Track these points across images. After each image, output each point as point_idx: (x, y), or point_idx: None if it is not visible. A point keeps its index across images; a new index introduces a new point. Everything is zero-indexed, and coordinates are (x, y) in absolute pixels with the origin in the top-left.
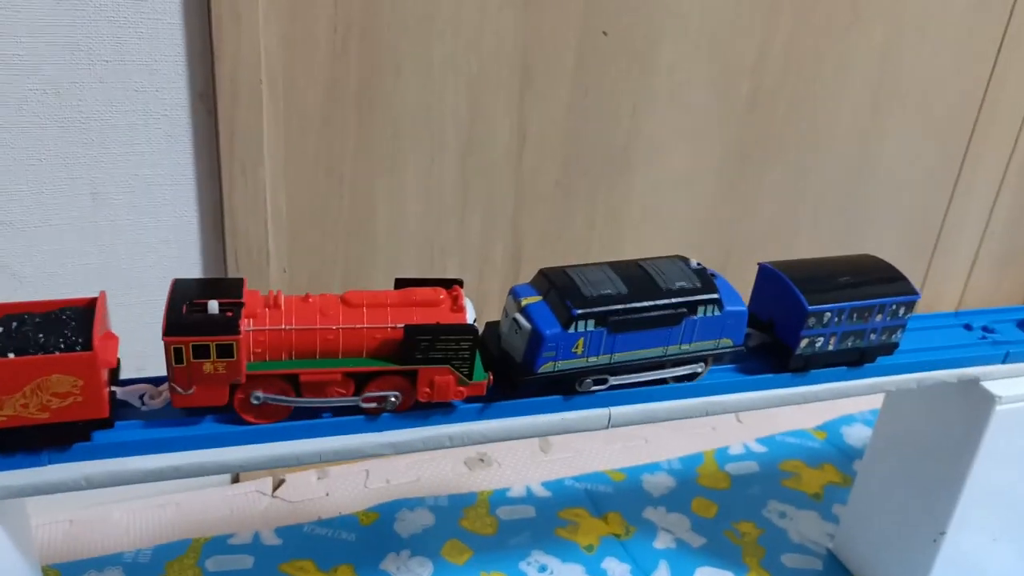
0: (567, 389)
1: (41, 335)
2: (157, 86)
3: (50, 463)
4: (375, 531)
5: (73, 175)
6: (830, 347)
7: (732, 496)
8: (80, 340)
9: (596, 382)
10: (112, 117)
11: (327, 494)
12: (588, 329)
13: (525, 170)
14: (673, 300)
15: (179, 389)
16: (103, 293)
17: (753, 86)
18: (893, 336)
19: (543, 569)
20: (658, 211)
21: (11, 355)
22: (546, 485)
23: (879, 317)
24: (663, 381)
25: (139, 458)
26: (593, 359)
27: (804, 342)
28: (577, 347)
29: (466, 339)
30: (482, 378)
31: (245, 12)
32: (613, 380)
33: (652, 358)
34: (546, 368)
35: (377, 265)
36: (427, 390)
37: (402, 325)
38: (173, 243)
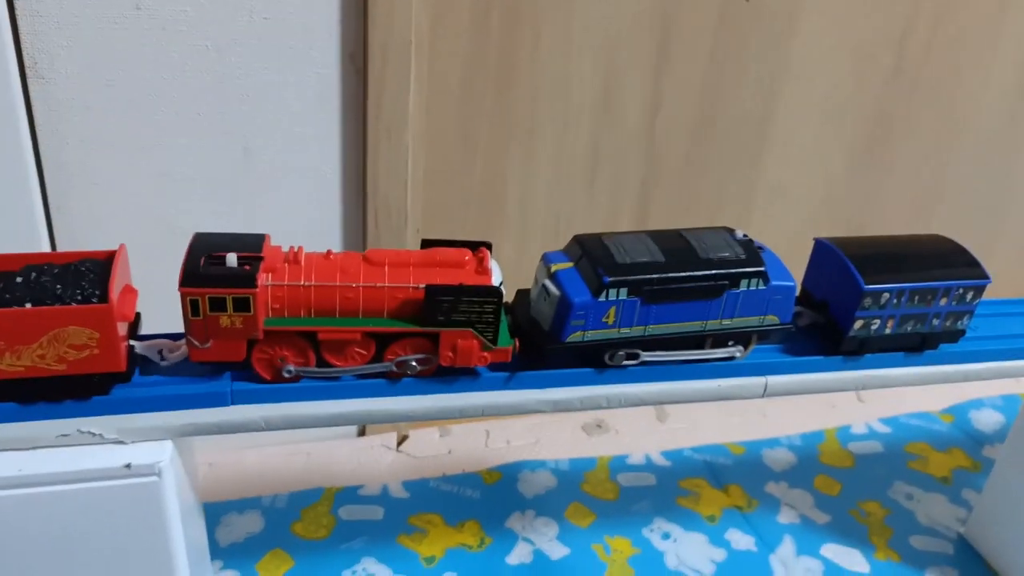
0: (597, 361)
1: (59, 286)
2: (310, 45)
3: (234, 403)
4: (499, 490)
5: (228, 130)
6: (887, 330)
7: (856, 475)
8: (97, 292)
9: (628, 355)
10: (267, 74)
11: (449, 451)
12: (620, 298)
13: (656, 141)
14: (713, 271)
15: (196, 343)
16: (122, 246)
17: (894, 61)
18: (959, 322)
19: (666, 536)
20: (788, 187)
21: (28, 305)
22: (665, 454)
23: (944, 301)
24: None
25: (308, 404)
26: (625, 330)
27: (859, 323)
28: (608, 316)
29: (490, 302)
30: (508, 344)
31: None
32: (646, 355)
33: (690, 332)
34: (575, 337)
35: (505, 230)
36: (450, 354)
37: (424, 285)
38: (315, 201)
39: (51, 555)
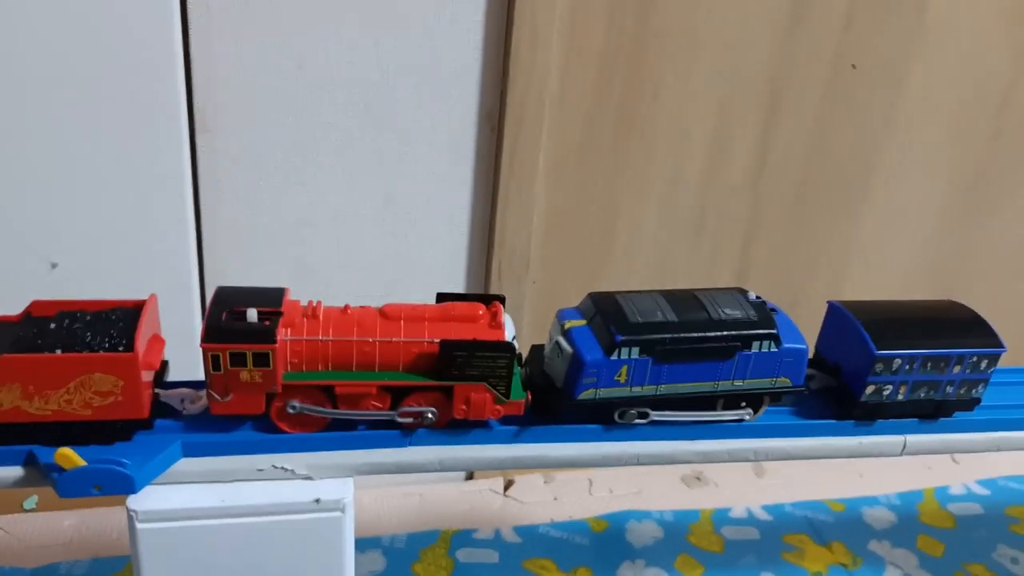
0: (608, 419)
1: (89, 334)
2: (451, 105)
3: (411, 444)
4: (607, 538)
5: (374, 177)
6: (900, 397)
7: (958, 537)
8: (124, 341)
9: (639, 414)
10: (410, 132)
11: (555, 498)
12: (632, 357)
13: (761, 197)
14: (725, 332)
15: (217, 396)
16: (153, 296)
17: (994, 124)
18: (974, 391)
19: None
20: (884, 247)
21: (59, 351)
22: (766, 509)
23: (957, 369)
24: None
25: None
26: (637, 389)
27: (870, 389)
28: (620, 375)
29: (503, 356)
30: (520, 397)
31: (541, 34)
32: (656, 415)
33: (701, 392)
34: (586, 395)
35: (610, 278)
36: (463, 407)
37: (438, 340)
38: (445, 248)
39: None
